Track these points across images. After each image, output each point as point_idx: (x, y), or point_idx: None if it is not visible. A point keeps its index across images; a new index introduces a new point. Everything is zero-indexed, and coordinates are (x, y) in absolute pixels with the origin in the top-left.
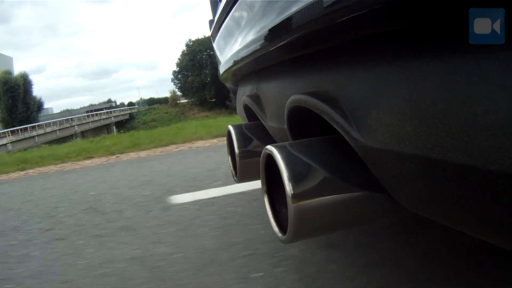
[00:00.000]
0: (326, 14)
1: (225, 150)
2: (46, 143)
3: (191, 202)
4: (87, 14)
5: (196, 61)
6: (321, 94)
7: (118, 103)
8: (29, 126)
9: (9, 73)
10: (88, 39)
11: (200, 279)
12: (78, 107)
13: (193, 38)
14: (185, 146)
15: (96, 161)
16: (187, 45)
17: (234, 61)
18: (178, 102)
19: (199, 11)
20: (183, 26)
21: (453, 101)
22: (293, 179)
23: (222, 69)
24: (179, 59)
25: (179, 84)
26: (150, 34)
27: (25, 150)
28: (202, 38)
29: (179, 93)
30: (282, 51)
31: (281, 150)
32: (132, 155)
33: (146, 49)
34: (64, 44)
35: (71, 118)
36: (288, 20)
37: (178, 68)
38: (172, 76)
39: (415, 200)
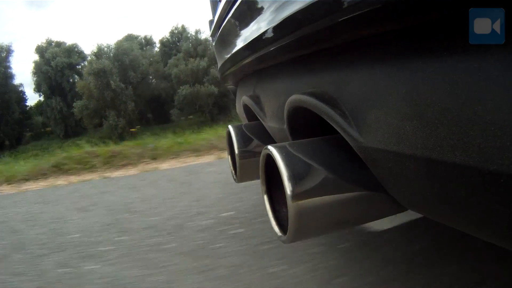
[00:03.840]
0: (325, 14)
1: None
2: None
3: None
4: (24, 19)
5: None
6: (321, 94)
7: None
8: None
9: None
10: (27, 46)
11: None
12: None
13: None
14: None
15: None
16: None
17: (234, 61)
18: None
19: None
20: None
21: (453, 101)
22: (293, 179)
23: (221, 69)
24: None
25: None
26: (88, 37)
27: None
28: None
29: None
30: (282, 51)
31: (280, 150)
32: None
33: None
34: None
35: None
36: (289, 20)
37: None
38: None
39: (415, 200)
